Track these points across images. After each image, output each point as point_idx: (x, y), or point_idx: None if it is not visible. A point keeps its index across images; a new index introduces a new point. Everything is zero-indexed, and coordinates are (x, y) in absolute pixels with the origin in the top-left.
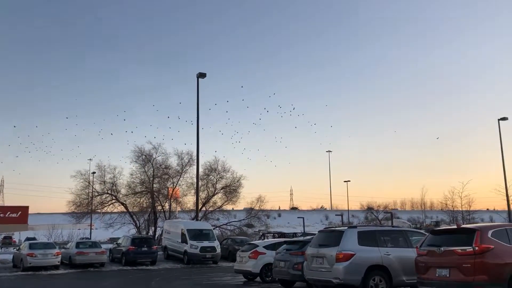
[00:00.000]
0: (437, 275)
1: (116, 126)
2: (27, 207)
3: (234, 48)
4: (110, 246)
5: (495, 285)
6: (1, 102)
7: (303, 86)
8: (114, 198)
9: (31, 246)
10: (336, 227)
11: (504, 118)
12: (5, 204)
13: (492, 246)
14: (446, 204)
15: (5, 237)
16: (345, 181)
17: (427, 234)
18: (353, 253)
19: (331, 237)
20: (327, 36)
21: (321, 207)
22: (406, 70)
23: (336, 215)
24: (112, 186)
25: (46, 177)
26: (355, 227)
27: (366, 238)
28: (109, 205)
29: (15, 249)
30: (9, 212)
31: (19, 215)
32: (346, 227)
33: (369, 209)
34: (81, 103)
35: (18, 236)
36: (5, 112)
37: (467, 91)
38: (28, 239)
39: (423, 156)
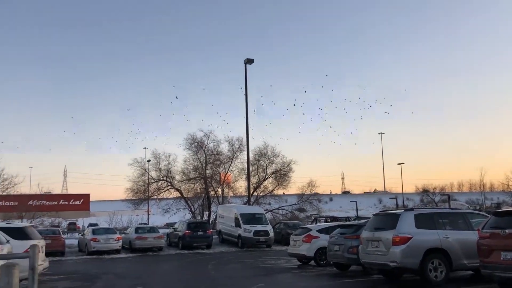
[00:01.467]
0: (502, 258)
1: (170, 114)
2: (88, 195)
3: (276, 30)
4: (167, 231)
5: None
6: (61, 95)
7: (353, 68)
8: (169, 184)
9: (94, 232)
10: (391, 210)
11: None
12: (69, 192)
13: None
14: (508, 185)
15: (70, 223)
16: (398, 164)
17: (489, 216)
18: (410, 236)
19: (387, 220)
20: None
21: (374, 191)
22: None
23: (390, 198)
24: (167, 173)
25: (105, 166)
26: (411, 209)
27: (424, 221)
28: (165, 191)
29: (80, 234)
30: (72, 200)
31: (82, 202)
32: (402, 210)
33: (425, 191)
34: (137, 94)
35: (82, 222)
36: (64, 103)
37: None
38: (90, 225)
39: (481, 135)
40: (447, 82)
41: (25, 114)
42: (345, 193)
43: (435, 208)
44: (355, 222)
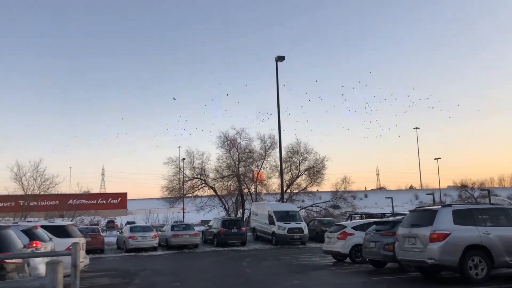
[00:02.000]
0: None
1: (201, 113)
2: (125, 194)
3: (310, 28)
4: (202, 228)
5: None
6: (97, 95)
7: (390, 63)
8: (203, 182)
9: (131, 230)
10: (428, 206)
11: None
12: (106, 191)
13: None
14: None
15: (108, 221)
16: (435, 159)
17: None
18: (448, 232)
19: (424, 216)
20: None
21: (410, 187)
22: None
23: (426, 194)
24: (201, 171)
25: (141, 164)
26: (449, 205)
27: (462, 217)
28: (199, 189)
29: (118, 232)
30: (110, 199)
31: (119, 201)
32: (439, 206)
33: (463, 186)
34: (173, 93)
35: (119, 220)
36: (100, 103)
37: None
38: (128, 223)
39: None
40: (486, 74)
41: (71, 116)
42: (380, 189)
43: (475, 204)
44: (391, 218)
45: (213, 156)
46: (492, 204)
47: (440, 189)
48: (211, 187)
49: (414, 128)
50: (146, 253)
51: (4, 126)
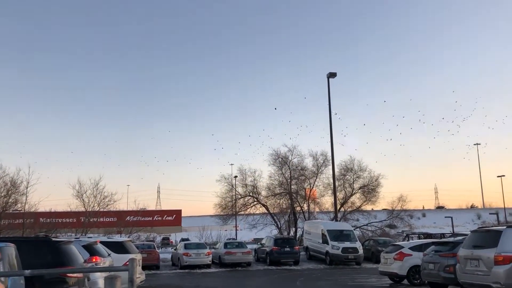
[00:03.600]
0: None
1: (252, 131)
2: (180, 211)
3: (366, 45)
4: (255, 246)
5: None
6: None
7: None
8: (255, 200)
9: (186, 247)
10: (492, 226)
11: None
12: (162, 208)
13: None
14: None
15: (163, 238)
16: (498, 176)
17: None
18: None
19: (487, 237)
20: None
21: (472, 206)
22: None
23: (490, 213)
24: (253, 189)
25: (195, 182)
26: None
27: None
28: (251, 206)
29: (173, 249)
30: (166, 216)
31: (174, 218)
32: (504, 226)
33: None
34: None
35: (174, 237)
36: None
37: None
38: (182, 239)
39: None
40: None
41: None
42: (439, 208)
43: None
44: (451, 239)
45: (265, 173)
46: None
47: (505, 208)
48: (263, 205)
49: (475, 144)
50: (200, 270)
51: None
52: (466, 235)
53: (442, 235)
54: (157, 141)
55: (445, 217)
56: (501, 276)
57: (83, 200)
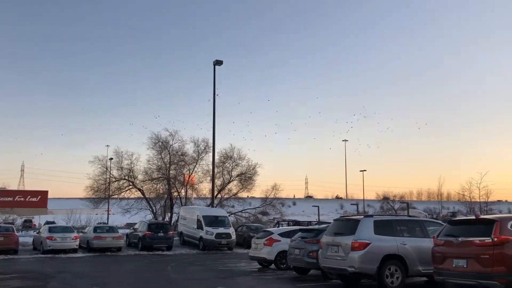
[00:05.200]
0: (454, 265)
1: (134, 113)
2: (46, 192)
3: (247, 34)
4: (127, 231)
5: None
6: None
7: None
8: (131, 184)
9: (50, 230)
10: (351, 216)
11: None
12: (26, 189)
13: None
14: (464, 195)
15: (25, 221)
16: (361, 171)
17: (444, 224)
18: (369, 242)
19: (347, 225)
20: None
21: (336, 196)
22: (419, 60)
23: (351, 204)
24: (129, 172)
25: (65, 163)
26: (371, 216)
27: (382, 228)
28: (126, 190)
29: (35, 232)
30: (29, 196)
31: (39, 199)
32: (362, 216)
33: (385, 199)
34: (98, 94)
35: (38, 219)
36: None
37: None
38: (47, 222)
39: (440, 146)
40: (410, 97)
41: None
42: (308, 197)
43: (394, 216)
44: (316, 226)
45: (143, 157)
46: (410, 216)
47: (364, 200)
48: (139, 189)
49: (343, 141)
50: (65, 255)
51: None
52: (329, 223)
53: (309, 223)
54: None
55: (313, 206)
56: (356, 261)
57: None
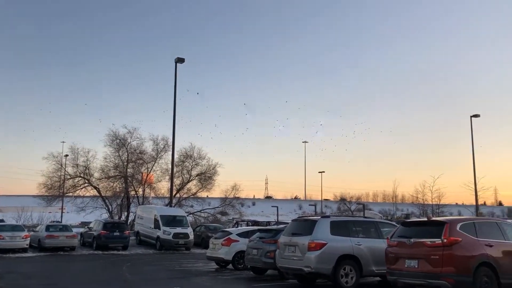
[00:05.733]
0: (406, 266)
1: (92, 109)
2: None
3: (213, 34)
4: (82, 230)
5: (461, 277)
6: None
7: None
8: (86, 181)
9: None
10: (309, 216)
11: (476, 115)
12: None
13: (460, 239)
14: (417, 197)
15: None
16: (319, 172)
17: (398, 225)
18: (325, 242)
19: (304, 226)
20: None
21: (295, 197)
22: (375, 64)
23: (309, 205)
24: (85, 170)
25: (17, 158)
26: (328, 216)
27: (339, 228)
28: (82, 188)
29: None
30: None
31: None
32: (319, 217)
33: (342, 200)
34: (58, 87)
35: None
36: None
37: (440, 87)
38: None
39: (396, 150)
40: (371, 102)
41: None
42: (268, 198)
43: (350, 216)
44: (275, 226)
45: (100, 154)
46: (365, 218)
47: (322, 201)
48: (95, 187)
49: (303, 142)
50: (14, 254)
51: None
52: (288, 223)
53: (268, 223)
54: None
55: (272, 206)
56: (312, 261)
57: None
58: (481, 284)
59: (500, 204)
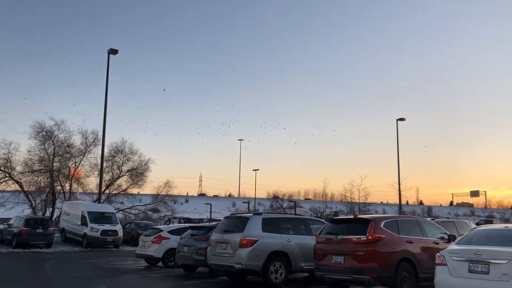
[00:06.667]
0: (333, 261)
1: (17, 100)
2: None
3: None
4: (1, 226)
5: (384, 272)
6: None
7: (219, 71)
8: (7, 175)
9: None
10: (242, 213)
11: (402, 119)
12: None
13: (384, 236)
14: (345, 196)
15: None
16: (253, 170)
17: (326, 223)
18: (257, 239)
19: (237, 223)
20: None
21: (229, 194)
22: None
23: (243, 202)
24: (6, 163)
25: None
26: (260, 214)
27: (270, 225)
28: (2, 183)
29: None
30: None
31: None
32: (251, 214)
33: (275, 197)
34: None
35: None
36: None
37: (367, 90)
38: None
39: (326, 149)
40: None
41: None
42: (201, 195)
43: (282, 214)
44: (206, 224)
45: (23, 147)
46: (296, 215)
47: (255, 198)
48: (17, 182)
49: (238, 140)
50: None
51: None
52: (220, 220)
53: (200, 220)
54: None
55: (205, 203)
56: (243, 258)
57: None
58: (401, 278)
59: (421, 203)
